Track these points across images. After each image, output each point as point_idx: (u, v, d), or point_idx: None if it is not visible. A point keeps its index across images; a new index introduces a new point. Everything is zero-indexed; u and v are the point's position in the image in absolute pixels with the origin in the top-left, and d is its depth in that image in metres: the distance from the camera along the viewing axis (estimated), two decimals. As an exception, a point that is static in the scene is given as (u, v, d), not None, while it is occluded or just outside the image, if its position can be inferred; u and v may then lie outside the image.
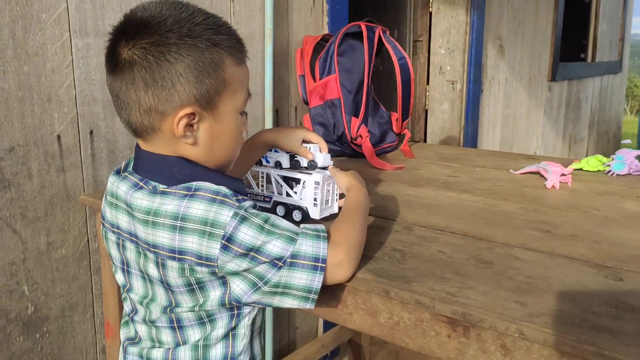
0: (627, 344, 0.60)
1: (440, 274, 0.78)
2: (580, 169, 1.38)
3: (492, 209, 1.08)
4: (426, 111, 2.78)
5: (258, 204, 1.03)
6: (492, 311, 0.68)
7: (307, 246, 0.72)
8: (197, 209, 0.69)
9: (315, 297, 0.72)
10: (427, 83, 2.75)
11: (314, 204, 0.95)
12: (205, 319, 0.77)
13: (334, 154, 1.53)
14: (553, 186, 1.21)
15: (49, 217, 1.18)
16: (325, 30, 1.80)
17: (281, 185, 0.99)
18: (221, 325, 0.78)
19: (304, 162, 0.96)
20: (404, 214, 1.05)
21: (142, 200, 0.73)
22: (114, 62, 0.72)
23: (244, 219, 0.70)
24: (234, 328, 0.79)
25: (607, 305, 0.69)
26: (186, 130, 0.73)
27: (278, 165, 0.99)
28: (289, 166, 0.98)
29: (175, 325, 0.78)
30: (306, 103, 1.59)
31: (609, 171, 1.33)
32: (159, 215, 0.71)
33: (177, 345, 0.79)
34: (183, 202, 0.70)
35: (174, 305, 0.77)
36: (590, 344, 0.61)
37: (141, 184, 0.75)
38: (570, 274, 0.78)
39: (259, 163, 1.02)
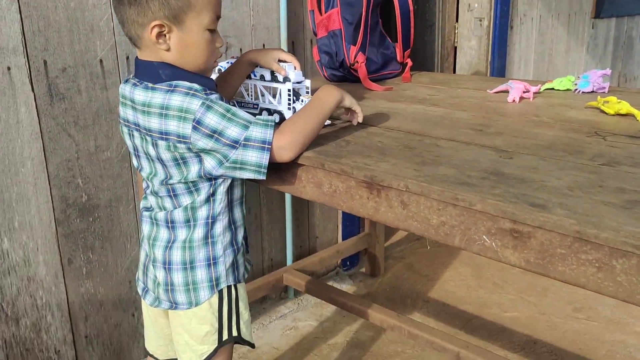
0: (477, 191, 0.81)
1: (368, 153, 1.01)
2: (552, 89, 1.52)
3: (446, 116, 1.28)
4: (455, 48, 2.90)
5: (248, 110, 1.28)
6: (392, 174, 0.90)
7: (257, 132, 0.96)
8: (176, 100, 0.95)
9: (265, 170, 0.97)
10: (457, 21, 2.86)
11: (288, 108, 1.19)
12: (192, 188, 1.04)
13: (336, 79, 1.75)
14: (513, 100, 1.38)
15: (96, 125, 1.49)
16: (339, -31, 1.98)
17: (263, 94, 1.23)
18: (203, 192, 1.04)
19: (280, 78, 1.19)
20: (368, 120, 1.26)
21: (139, 95, 1.00)
22: None
23: (209, 108, 0.94)
24: (213, 194, 1.05)
25: (483, 171, 0.89)
26: (159, 38, 0.96)
27: (262, 78, 1.23)
28: (270, 79, 1.22)
29: (172, 194, 1.06)
30: (316, 35, 1.80)
31: (576, 89, 1.47)
32: (151, 106, 0.97)
33: (174, 208, 1.07)
34: (167, 96, 0.96)
35: (168, 177, 1.04)
36: (450, 191, 0.82)
37: (138, 83, 1.01)
38: (471, 155, 0.98)
39: (249, 77, 1.26)
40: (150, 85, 1.00)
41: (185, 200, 1.06)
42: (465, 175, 0.88)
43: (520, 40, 2.97)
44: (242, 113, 0.98)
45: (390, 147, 1.04)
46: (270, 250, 2.06)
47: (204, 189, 1.04)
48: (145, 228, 1.13)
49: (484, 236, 0.82)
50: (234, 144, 0.96)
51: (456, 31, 2.87)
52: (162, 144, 0.99)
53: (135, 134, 1.05)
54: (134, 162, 1.12)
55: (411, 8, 1.76)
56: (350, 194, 0.98)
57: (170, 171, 1.03)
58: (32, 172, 1.39)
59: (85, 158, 1.48)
